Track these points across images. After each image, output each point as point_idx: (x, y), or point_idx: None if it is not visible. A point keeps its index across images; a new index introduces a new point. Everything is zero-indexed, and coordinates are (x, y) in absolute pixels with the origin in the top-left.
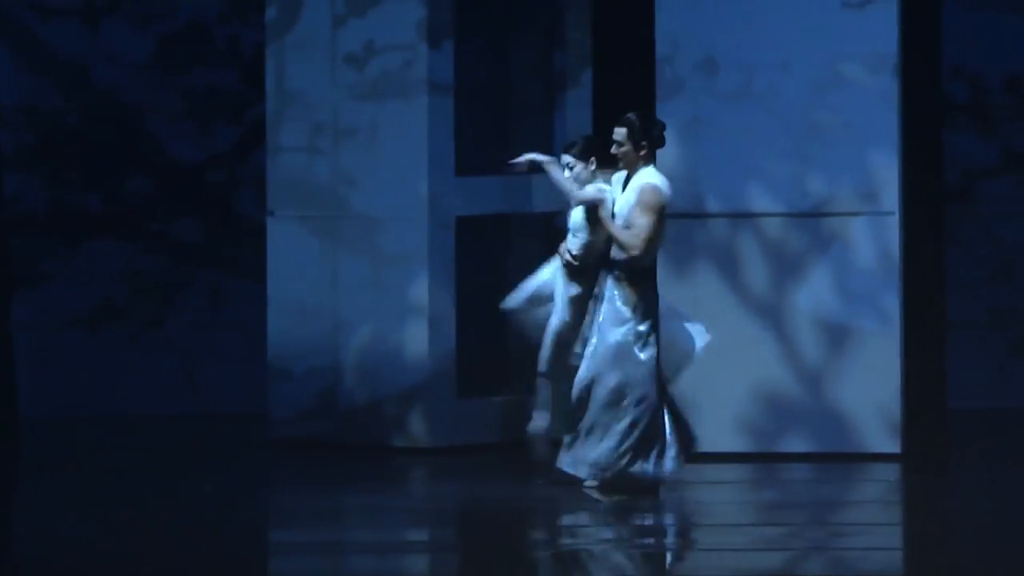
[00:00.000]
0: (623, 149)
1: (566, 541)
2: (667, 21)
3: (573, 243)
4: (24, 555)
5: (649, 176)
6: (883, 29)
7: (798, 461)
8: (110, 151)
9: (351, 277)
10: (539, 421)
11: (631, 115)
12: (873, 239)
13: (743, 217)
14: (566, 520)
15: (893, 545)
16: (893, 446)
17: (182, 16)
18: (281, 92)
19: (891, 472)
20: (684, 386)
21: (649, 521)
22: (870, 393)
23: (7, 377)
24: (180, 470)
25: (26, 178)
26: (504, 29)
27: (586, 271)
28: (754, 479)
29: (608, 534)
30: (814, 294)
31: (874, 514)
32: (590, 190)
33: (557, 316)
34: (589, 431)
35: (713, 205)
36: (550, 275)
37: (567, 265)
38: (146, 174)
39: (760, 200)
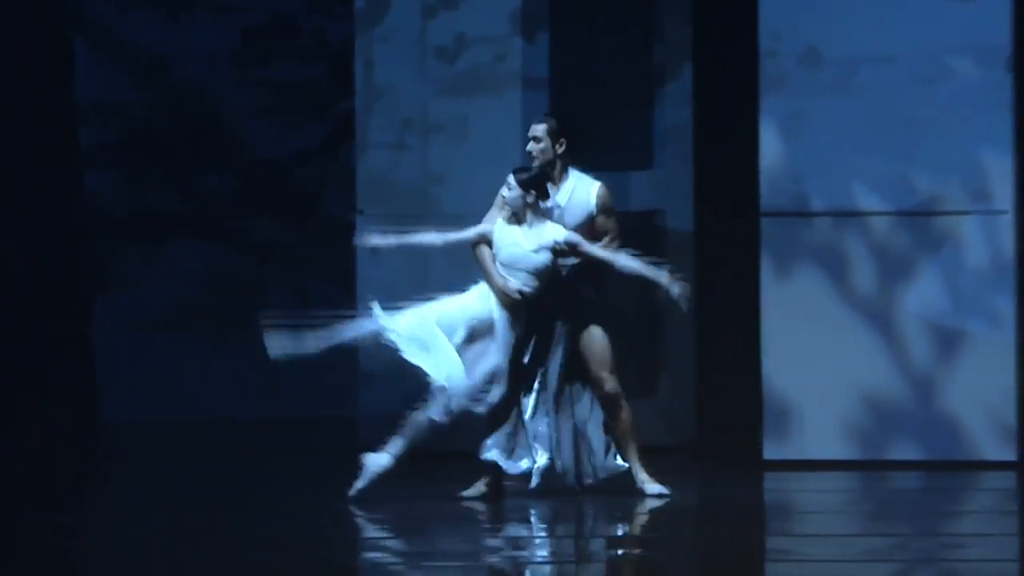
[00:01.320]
0: (541, 146)
1: (654, 552)
2: (770, 13)
3: (528, 282)
4: (102, 562)
5: (589, 180)
6: (994, 21)
7: (907, 469)
8: (191, 148)
9: (441, 278)
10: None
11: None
12: (985, 239)
13: (848, 216)
14: (651, 529)
15: (1008, 556)
16: (1007, 453)
17: (266, 8)
18: (370, 87)
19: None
20: (787, 389)
21: (749, 530)
22: (982, 398)
23: (87, 381)
24: (265, 476)
25: (105, 176)
26: (600, 21)
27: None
28: (861, 488)
29: (705, 543)
30: (923, 295)
31: (987, 524)
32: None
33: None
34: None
35: (817, 203)
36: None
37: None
38: (228, 172)
39: (866, 198)
